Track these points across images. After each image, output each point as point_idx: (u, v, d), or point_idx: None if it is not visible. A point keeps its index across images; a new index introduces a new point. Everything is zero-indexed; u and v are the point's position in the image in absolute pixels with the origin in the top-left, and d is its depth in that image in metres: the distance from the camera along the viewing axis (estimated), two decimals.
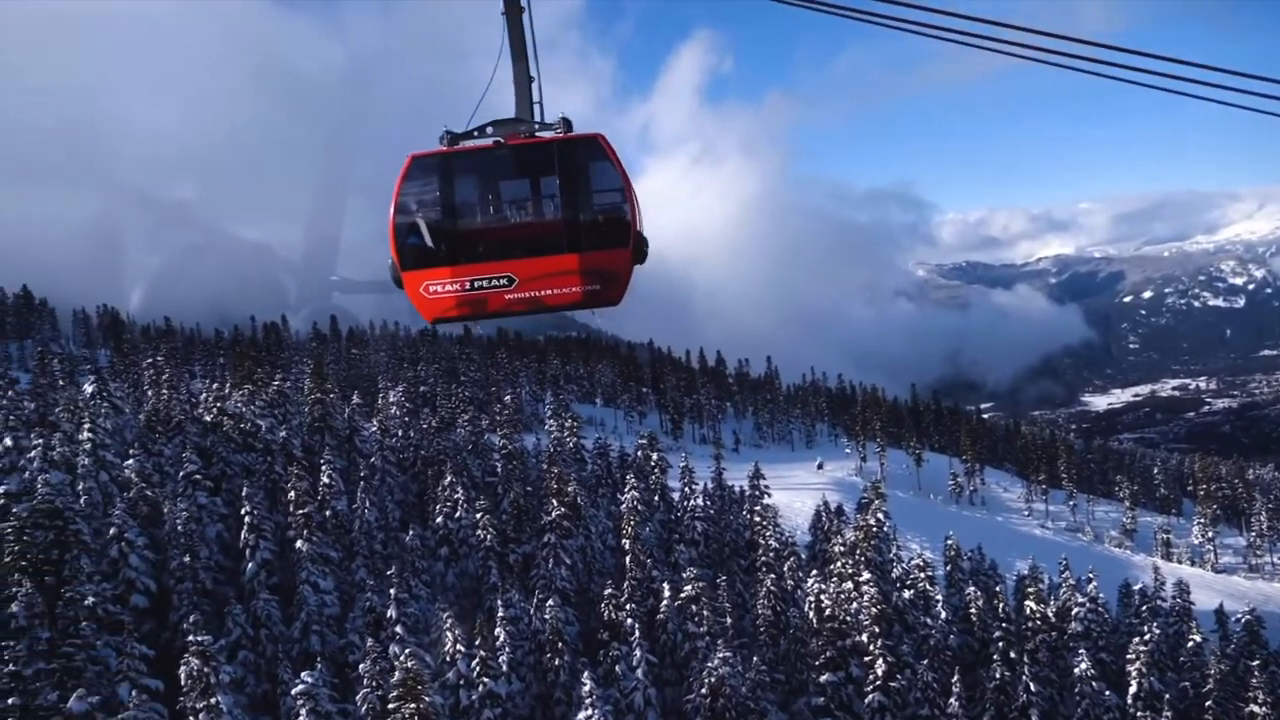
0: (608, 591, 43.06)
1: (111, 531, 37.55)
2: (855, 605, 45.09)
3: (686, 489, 58.60)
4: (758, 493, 61.31)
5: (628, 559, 48.05)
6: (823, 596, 45.19)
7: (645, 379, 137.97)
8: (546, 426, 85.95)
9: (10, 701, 25.44)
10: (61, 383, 60.80)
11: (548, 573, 46.89)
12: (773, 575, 48.72)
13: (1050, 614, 49.83)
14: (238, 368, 69.02)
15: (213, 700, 28.28)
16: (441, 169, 9.24)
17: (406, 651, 30.76)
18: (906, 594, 50.32)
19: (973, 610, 50.01)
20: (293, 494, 43.31)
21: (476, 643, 34.86)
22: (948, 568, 57.74)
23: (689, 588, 44.02)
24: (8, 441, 42.20)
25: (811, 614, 45.51)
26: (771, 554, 52.05)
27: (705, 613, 43.14)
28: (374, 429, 60.39)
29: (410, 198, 9.28)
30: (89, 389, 48.70)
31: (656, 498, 60.26)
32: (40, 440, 40.74)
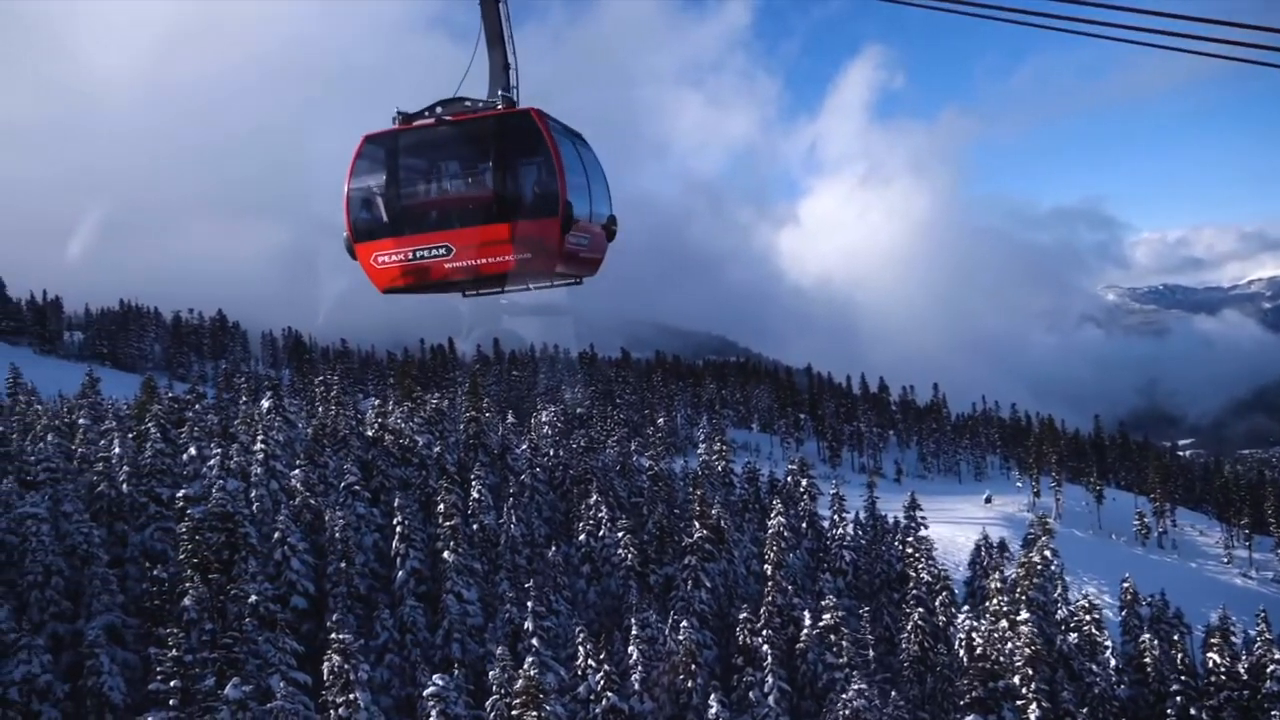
0: (743, 616, 42.33)
1: (276, 536, 40.26)
2: (1010, 645, 42.22)
3: (836, 517, 56.95)
4: (913, 524, 58.89)
5: (769, 585, 47.06)
6: (975, 634, 42.73)
7: (803, 404, 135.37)
8: (698, 450, 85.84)
9: (172, 685, 27.66)
10: (244, 398, 66.04)
11: (687, 595, 46.56)
12: (922, 609, 46.44)
13: (1241, 670, 44.92)
14: (401, 386, 72.91)
15: (351, 696, 29.67)
16: (390, 146, 9.78)
17: (529, 661, 31.23)
18: (1072, 638, 46.70)
19: (1147, 660, 45.81)
20: (442, 506, 45.08)
21: (601, 657, 35.01)
22: (1123, 613, 53.19)
23: (828, 616, 42.58)
24: (192, 450, 46.26)
25: (962, 652, 43.06)
26: (923, 587, 49.59)
27: (845, 643, 41.57)
28: (525, 447, 62.18)
29: (362, 173, 9.87)
30: (266, 404, 52.64)
31: (805, 525, 58.86)
32: (219, 450, 44.33)
